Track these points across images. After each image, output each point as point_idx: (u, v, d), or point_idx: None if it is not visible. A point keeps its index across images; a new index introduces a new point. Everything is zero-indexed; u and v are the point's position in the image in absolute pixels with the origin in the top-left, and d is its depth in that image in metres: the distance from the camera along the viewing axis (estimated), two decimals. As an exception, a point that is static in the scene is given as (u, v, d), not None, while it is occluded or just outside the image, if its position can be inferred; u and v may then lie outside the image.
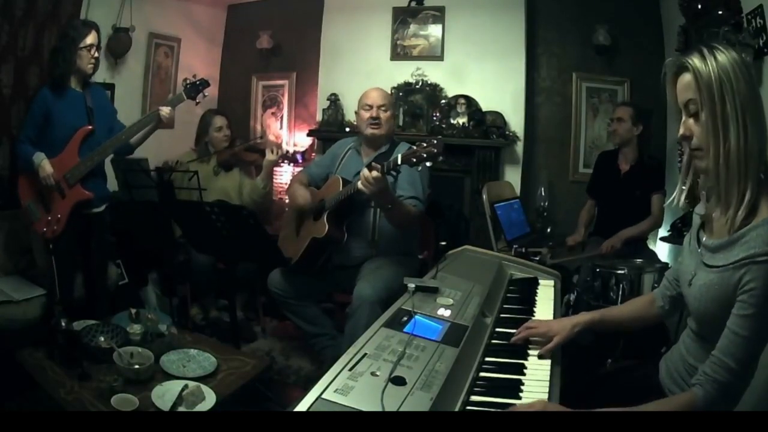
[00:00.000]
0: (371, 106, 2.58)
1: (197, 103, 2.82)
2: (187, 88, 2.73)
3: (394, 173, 2.11)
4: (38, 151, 2.48)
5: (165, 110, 2.60)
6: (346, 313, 2.39)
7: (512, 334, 1.60)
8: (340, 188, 2.45)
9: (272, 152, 3.13)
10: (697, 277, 1.23)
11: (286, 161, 3.41)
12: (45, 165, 2.45)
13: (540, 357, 1.43)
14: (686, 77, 1.16)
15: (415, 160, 2.00)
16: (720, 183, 1.14)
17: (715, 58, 1.11)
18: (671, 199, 1.36)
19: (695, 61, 1.13)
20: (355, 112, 2.74)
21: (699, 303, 1.20)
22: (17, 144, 2.60)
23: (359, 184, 2.13)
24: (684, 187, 1.29)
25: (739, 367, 1.09)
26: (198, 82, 2.74)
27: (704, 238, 1.24)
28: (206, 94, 2.79)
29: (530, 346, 1.49)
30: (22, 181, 2.60)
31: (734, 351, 1.09)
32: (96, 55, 2.54)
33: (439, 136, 2.00)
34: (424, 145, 1.99)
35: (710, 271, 1.17)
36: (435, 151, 1.97)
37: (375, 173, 2.06)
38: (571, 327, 1.46)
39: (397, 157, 2.06)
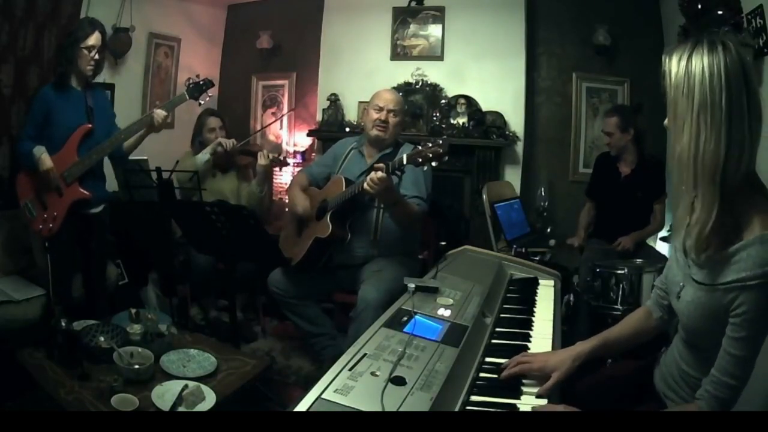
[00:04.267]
0: (382, 108, 2.55)
1: (200, 104, 2.80)
2: (189, 88, 2.70)
3: (398, 173, 2.11)
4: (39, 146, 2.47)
5: (159, 113, 2.55)
6: (350, 317, 2.38)
7: (512, 334, 1.60)
8: (343, 188, 2.44)
9: (264, 157, 3.12)
10: (685, 290, 1.20)
11: (278, 166, 3.41)
12: (45, 158, 2.44)
13: (539, 397, 1.28)
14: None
15: (420, 160, 1.99)
16: (678, 186, 1.14)
17: (689, 59, 1.08)
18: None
19: (672, 60, 1.11)
20: (364, 109, 2.72)
21: (688, 319, 1.19)
22: (18, 142, 2.60)
23: (365, 185, 2.13)
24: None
25: (739, 383, 1.10)
26: (201, 83, 2.70)
27: (688, 242, 1.19)
28: (210, 95, 2.77)
29: (525, 381, 1.34)
30: (20, 179, 2.59)
31: (732, 370, 1.09)
32: (96, 57, 2.50)
33: (444, 137, 1.99)
34: (430, 145, 1.98)
35: (698, 288, 1.15)
36: (441, 151, 1.95)
37: (380, 174, 2.07)
38: (572, 361, 1.34)
39: (402, 157, 2.05)
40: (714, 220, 1.07)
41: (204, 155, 3.18)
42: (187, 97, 2.70)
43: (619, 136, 3.13)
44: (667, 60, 1.12)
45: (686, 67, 1.08)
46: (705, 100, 1.05)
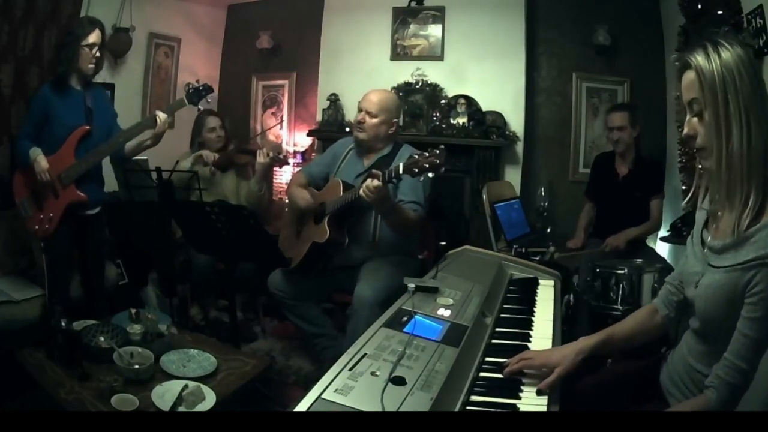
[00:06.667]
0: (361, 110, 2.57)
1: (199, 110, 2.78)
2: (189, 93, 2.67)
3: (395, 181, 2.09)
4: (36, 147, 2.46)
5: (162, 115, 2.55)
6: (347, 315, 2.38)
7: (512, 334, 1.60)
8: (341, 193, 2.43)
9: (263, 155, 3.10)
10: (704, 278, 1.20)
11: (277, 165, 3.39)
12: (41, 160, 2.43)
13: (539, 393, 1.27)
14: (690, 75, 1.14)
15: (417, 170, 1.96)
16: (724, 184, 1.13)
17: (719, 55, 1.08)
18: (688, 198, 1.32)
19: (698, 59, 1.11)
20: None
21: (705, 304, 1.18)
22: (17, 140, 2.59)
23: (361, 192, 2.12)
24: (694, 186, 1.28)
25: (751, 368, 1.10)
26: (201, 88, 2.68)
27: (708, 239, 1.22)
28: (210, 100, 2.75)
29: (525, 381, 1.33)
30: (18, 177, 2.58)
31: (745, 353, 1.09)
32: (97, 54, 2.50)
33: (442, 146, 1.95)
34: (426, 155, 1.95)
35: (717, 272, 1.16)
36: (437, 161, 1.92)
37: (376, 182, 2.05)
38: (574, 356, 1.33)
39: (398, 166, 2.03)
40: (751, 210, 1.09)
41: (186, 163, 3.18)
42: (186, 103, 2.68)
43: (630, 130, 3.12)
44: (693, 60, 1.11)
45: (719, 62, 1.08)
46: (751, 91, 1.07)
